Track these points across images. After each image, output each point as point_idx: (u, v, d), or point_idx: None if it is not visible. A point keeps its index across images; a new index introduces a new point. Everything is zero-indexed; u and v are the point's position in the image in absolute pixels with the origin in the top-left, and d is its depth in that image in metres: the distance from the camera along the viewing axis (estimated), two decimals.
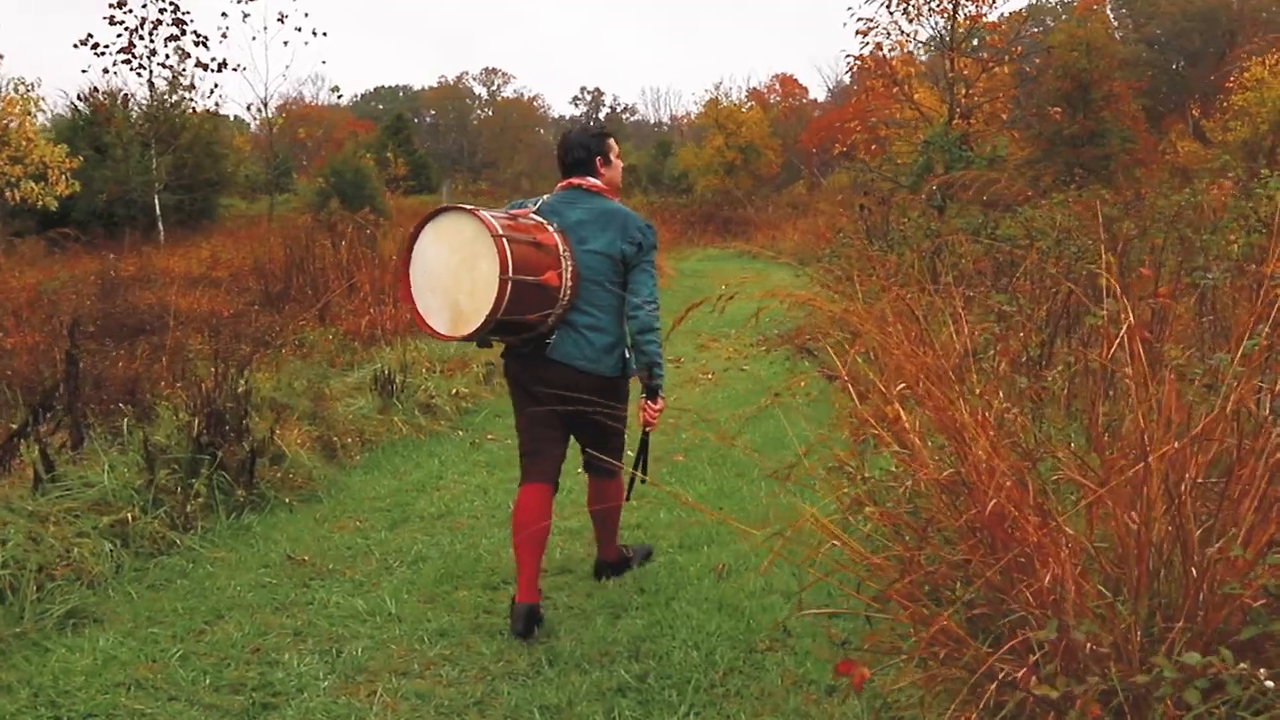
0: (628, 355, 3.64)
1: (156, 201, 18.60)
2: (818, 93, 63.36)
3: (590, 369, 3.53)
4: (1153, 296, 3.89)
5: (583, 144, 3.71)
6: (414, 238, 3.53)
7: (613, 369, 3.59)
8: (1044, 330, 4.44)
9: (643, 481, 3.81)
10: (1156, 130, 36.45)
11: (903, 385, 2.73)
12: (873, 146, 12.04)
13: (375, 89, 78.57)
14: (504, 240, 3.30)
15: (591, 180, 3.69)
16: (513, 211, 3.62)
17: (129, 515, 4.32)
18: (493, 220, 3.35)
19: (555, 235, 3.52)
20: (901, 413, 3.00)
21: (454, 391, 7.48)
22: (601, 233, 3.56)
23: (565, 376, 3.51)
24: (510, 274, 3.28)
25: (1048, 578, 2.17)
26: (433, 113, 72.89)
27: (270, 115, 19.20)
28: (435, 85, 74.24)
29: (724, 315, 11.76)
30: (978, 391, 3.25)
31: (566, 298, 3.49)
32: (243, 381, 5.30)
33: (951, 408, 2.85)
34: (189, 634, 3.58)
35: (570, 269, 3.49)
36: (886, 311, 2.84)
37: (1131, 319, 2.81)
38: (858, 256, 6.97)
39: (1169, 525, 2.31)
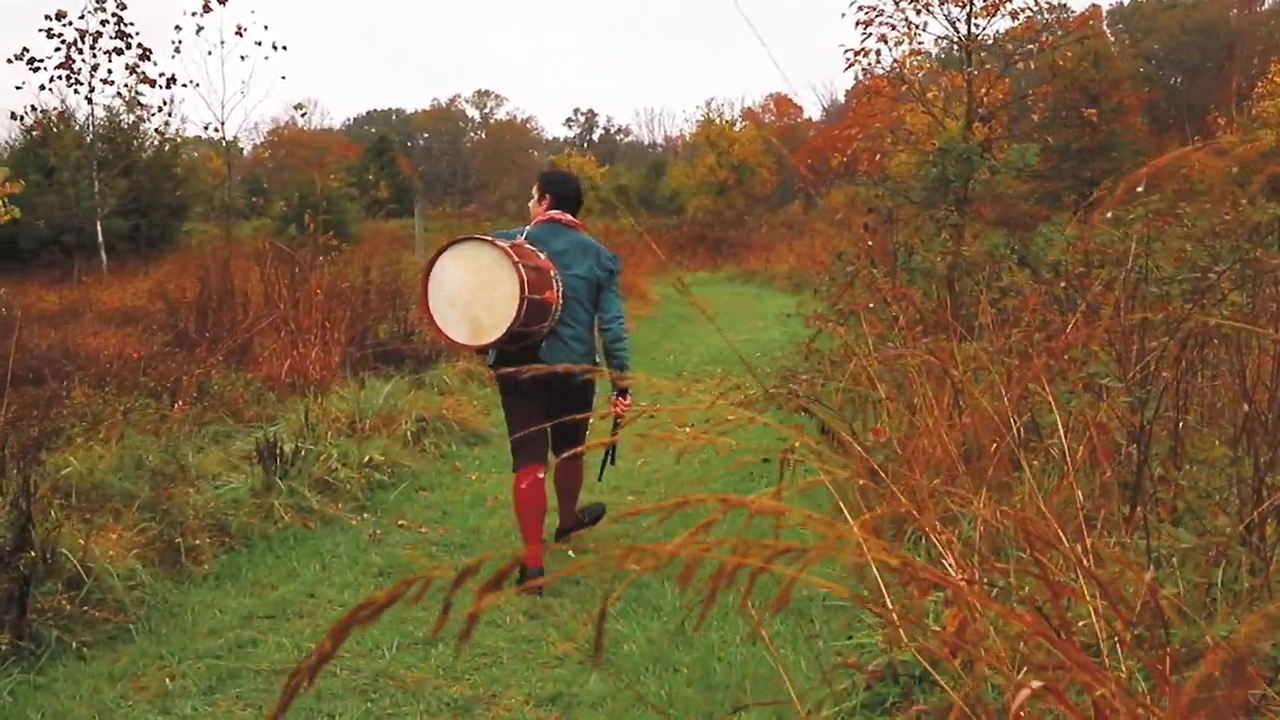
0: (598, 360, 4.44)
1: (99, 228, 17.12)
2: (813, 111, 62.03)
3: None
4: None
5: (580, 189, 4.64)
6: (433, 262, 4.20)
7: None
8: (1148, 407, 3.01)
9: (611, 464, 4.83)
10: (1158, 145, 35.23)
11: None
12: (876, 157, 10.63)
13: (368, 112, 77.42)
14: (521, 266, 4.00)
15: (570, 217, 4.50)
16: (515, 241, 4.27)
17: None
18: (509, 250, 4.06)
19: (547, 261, 4.27)
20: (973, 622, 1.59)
21: (366, 459, 5.99)
22: (581, 260, 4.37)
23: (551, 377, 4.02)
24: (527, 293, 3.98)
25: None
26: (426, 135, 71.70)
27: (227, 135, 17.74)
28: (428, 108, 73.17)
29: (708, 351, 10.15)
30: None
31: (557, 313, 4.25)
32: (30, 473, 3.84)
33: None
34: None
35: (560, 289, 4.26)
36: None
37: None
38: (867, 288, 5.55)
39: None
